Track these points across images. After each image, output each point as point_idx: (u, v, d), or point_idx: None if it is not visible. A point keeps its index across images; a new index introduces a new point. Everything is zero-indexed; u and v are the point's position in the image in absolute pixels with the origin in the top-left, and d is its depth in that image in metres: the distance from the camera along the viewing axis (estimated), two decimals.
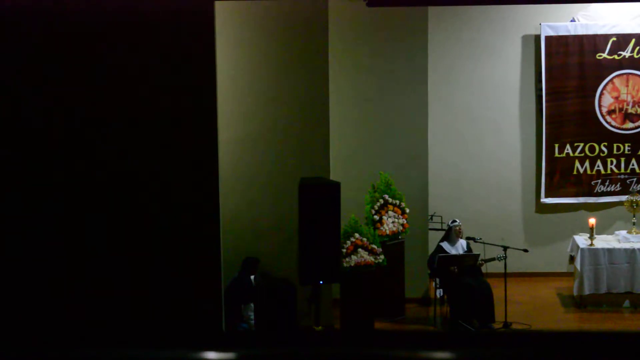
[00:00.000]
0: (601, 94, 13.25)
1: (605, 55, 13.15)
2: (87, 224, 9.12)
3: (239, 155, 10.91)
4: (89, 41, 9.07)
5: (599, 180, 13.38)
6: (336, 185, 9.73)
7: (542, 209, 13.53)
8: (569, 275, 12.96)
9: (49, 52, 9.05)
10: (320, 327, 9.97)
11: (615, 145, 13.32)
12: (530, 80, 13.39)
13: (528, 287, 12.91)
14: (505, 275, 11.38)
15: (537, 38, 13.21)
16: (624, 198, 12.77)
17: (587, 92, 13.24)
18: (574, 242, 12.38)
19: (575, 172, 13.38)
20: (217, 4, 9.43)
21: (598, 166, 13.37)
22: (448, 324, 11.27)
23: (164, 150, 9.18)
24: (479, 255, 11.46)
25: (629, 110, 13.30)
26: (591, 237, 12.00)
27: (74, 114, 9.10)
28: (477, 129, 13.45)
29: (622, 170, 13.37)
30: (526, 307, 12.02)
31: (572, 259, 12.62)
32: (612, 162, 13.36)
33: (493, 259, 11.45)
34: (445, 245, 11.58)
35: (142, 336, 2.89)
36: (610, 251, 11.94)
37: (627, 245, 12.00)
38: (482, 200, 13.49)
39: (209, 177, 9.31)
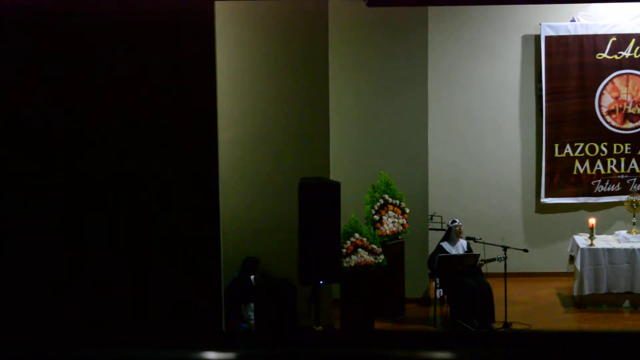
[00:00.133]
0: (601, 94, 13.25)
1: (605, 55, 13.16)
2: (87, 224, 9.12)
3: (239, 155, 10.91)
4: (89, 41, 9.06)
5: (599, 180, 13.38)
6: (336, 185, 9.73)
7: (542, 209, 13.53)
8: (569, 275, 12.96)
9: (49, 52, 9.05)
10: (320, 327, 9.97)
11: (615, 145, 13.32)
12: (530, 80, 13.39)
13: (528, 287, 12.91)
14: (505, 275, 11.38)
15: (537, 38, 13.21)
16: (624, 198, 12.77)
17: (587, 92, 13.25)
18: (574, 242, 12.38)
19: (575, 172, 13.38)
20: (217, 4, 9.43)
21: (598, 166, 13.37)
22: (448, 324, 11.27)
23: (164, 150, 9.18)
24: (479, 255, 11.46)
25: (629, 110, 13.31)
26: (591, 237, 12.00)
27: (74, 114, 9.10)
28: (477, 129, 13.45)
29: (622, 170, 13.37)
30: (526, 307, 12.02)
31: (572, 259, 12.62)
32: (612, 162, 13.36)
33: (493, 260, 11.45)
34: (445, 245, 11.59)
35: (142, 336, 2.89)
36: (610, 251, 11.94)
37: (627, 245, 12.00)
38: (482, 200, 13.49)
39: (209, 177, 9.31)
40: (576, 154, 13.35)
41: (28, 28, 9.02)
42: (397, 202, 11.61)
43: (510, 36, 13.31)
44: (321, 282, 9.76)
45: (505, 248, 11.40)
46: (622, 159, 13.36)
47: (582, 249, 11.92)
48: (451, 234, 11.61)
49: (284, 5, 10.68)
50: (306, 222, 9.50)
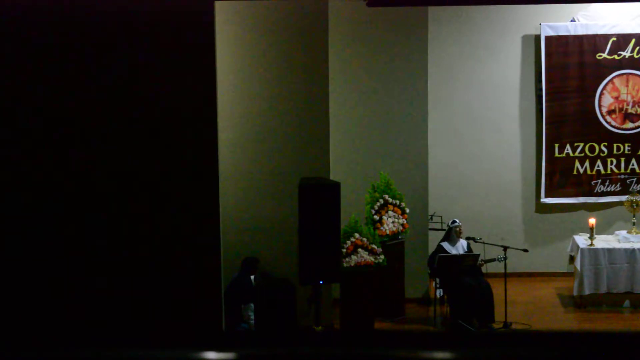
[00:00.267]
0: (601, 94, 13.24)
1: (605, 55, 13.15)
2: (87, 224, 9.12)
3: (239, 155, 10.90)
4: (88, 41, 9.06)
5: (599, 180, 13.38)
6: (336, 185, 9.73)
7: (542, 209, 13.53)
8: (569, 275, 12.95)
9: (49, 52, 9.04)
10: (320, 327, 9.96)
11: (615, 145, 13.32)
12: (530, 80, 13.39)
13: (528, 287, 12.91)
14: (505, 275, 11.38)
15: (537, 38, 13.21)
16: (624, 198, 12.77)
17: (587, 92, 13.24)
18: (574, 242, 12.38)
19: (575, 172, 13.38)
20: (217, 4, 9.43)
21: (598, 166, 13.37)
22: (448, 324, 11.27)
23: (164, 150, 9.18)
24: (479, 255, 11.46)
25: (629, 110, 13.30)
26: (591, 237, 12.00)
27: (73, 114, 9.09)
28: (477, 129, 13.45)
29: (622, 170, 13.37)
30: (526, 307, 12.02)
31: (572, 259, 12.61)
32: (612, 162, 13.36)
33: (493, 260, 11.45)
34: (445, 245, 11.59)
35: (142, 336, 2.89)
36: (610, 251, 11.94)
37: (627, 245, 12.00)
38: (482, 200, 13.49)
39: (209, 177, 9.31)
40: (576, 154, 13.35)
41: (27, 28, 9.01)
42: (397, 202, 11.60)
43: (510, 36, 13.31)
44: (321, 282, 9.75)
45: (505, 248, 11.40)
46: (622, 159, 13.36)
47: (582, 249, 11.92)
48: (451, 234, 11.61)
49: (284, 5, 10.68)
50: (306, 222, 9.50)
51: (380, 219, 11.49)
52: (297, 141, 10.93)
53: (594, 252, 11.90)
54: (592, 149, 13.34)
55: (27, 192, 9.07)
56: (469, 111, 13.43)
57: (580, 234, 12.49)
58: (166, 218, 9.17)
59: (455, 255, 11.41)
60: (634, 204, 12.34)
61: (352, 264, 10.85)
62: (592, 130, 13.30)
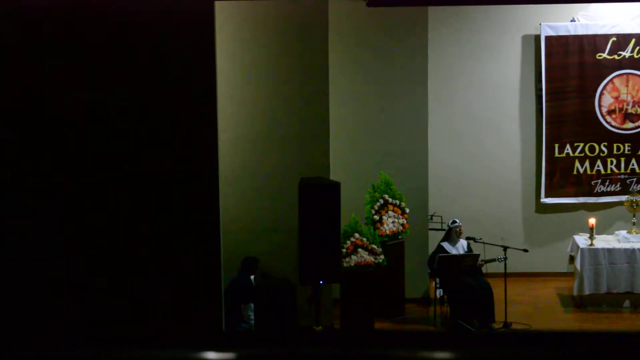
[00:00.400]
0: (601, 94, 13.24)
1: (605, 55, 13.15)
2: (87, 224, 9.12)
3: (239, 155, 10.91)
4: (88, 41, 9.06)
5: (599, 180, 13.38)
6: (336, 185, 9.73)
7: (542, 209, 13.53)
8: (569, 275, 12.95)
9: (49, 52, 9.04)
10: (320, 327, 9.97)
11: (615, 145, 13.32)
12: (530, 80, 13.39)
13: (528, 287, 12.91)
14: (505, 275, 11.38)
15: (537, 38, 13.21)
16: (624, 198, 12.77)
17: (587, 92, 13.24)
18: (574, 242, 12.38)
19: (575, 172, 13.38)
20: (217, 4, 9.43)
21: (598, 166, 13.37)
22: (448, 324, 11.27)
23: (164, 150, 9.18)
24: (479, 255, 11.46)
25: (629, 110, 13.30)
26: (591, 237, 12.00)
27: (73, 114, 9.09)
28: (477, 129, 13.45)
29: (622, 170, 13.37)
30: (526, 307, 12.02)
31: (572, 259, 12.62)
32: (612, 162, 13.36)
33: (493, 260, 11.45)
34: (445, 245, 11.59)
35: (142, 336, 2.89)
36: (610, 251, 11.94)
37: (627, 245, 12.00)
38: (482, 200, 13.49)
39: (209, 177, 9.31)
40: (576, 154, 13.35)
41: (26, 29, 9.01)
42: (397, 202, 11.60)
43: (510, 36, 13.31)
44: (321, 282, 9.75)
45: (505, 248, 11.40)
46: (622, 159, 13.36)
47: (582, 249, 11.92)
48: (451, 234, 11.62)
49: (284, 5, 10.68)
50: (306, 222, 9.50)
51: (380, 219, 11.49)
52: (297, 141, 10.93)
53: (594, 252, 11.90)
54: (592, 149, 13.34)
55: (27, 192, 9.07)
56: (469, 111, 13.43)
57: (580, 234, 12.49)
58: (166, 218, 9.17)
59: (455, 255, 11.41)
60: (634, 204, 12.34)
61: (352, 264, 10.85)
62: (592, 130, 13.30)
